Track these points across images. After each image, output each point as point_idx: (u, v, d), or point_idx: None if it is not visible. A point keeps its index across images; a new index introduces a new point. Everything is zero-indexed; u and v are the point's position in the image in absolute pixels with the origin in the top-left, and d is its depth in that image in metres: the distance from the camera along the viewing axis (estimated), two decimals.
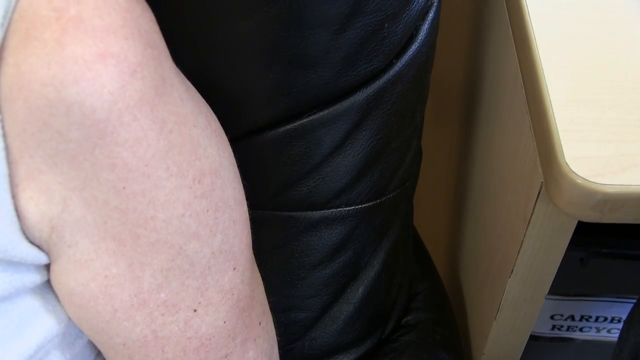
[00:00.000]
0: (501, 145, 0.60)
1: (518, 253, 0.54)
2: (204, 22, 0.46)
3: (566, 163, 0.45)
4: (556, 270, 0.56)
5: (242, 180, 0.44)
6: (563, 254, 0.54)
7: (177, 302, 0.40)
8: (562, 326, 0.66)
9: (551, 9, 0.52)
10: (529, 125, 0.51)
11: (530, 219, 0.51)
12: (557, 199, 0.46)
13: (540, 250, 0.54)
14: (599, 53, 0.50)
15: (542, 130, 0.48)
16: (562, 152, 0.45)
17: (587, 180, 0.44)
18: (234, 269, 0.42)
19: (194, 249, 0.39)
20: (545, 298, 0.59)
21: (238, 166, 0.43)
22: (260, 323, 0.45)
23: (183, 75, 0.40)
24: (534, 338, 0.66)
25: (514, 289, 0.58)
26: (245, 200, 0.43)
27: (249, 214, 0.44)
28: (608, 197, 0.44)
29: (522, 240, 0.53)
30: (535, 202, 0.50)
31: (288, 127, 0.50)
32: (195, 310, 0.40)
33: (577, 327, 0.67)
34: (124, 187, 0.36)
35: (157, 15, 0.38)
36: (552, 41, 0.50)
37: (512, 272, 0.56)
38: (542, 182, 0.49)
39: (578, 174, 0.44)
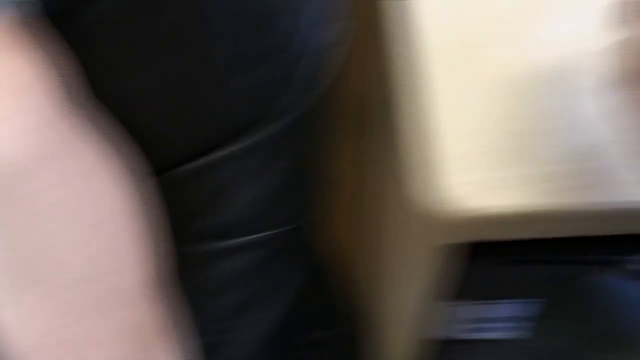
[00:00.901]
0: (389, 167, 0.63)
1: (419, 266, 0.57)
2: (125, 65, 0.47)
3: (439, 192, 0.48)
4: (460, 279, 0.58)
5: (152, 214, 0.44)
6: (467, 263, 0.57)
7: (78, 340, 0.41)
8: (470, 329, 0.68)
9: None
10: (408, 153, 0.54)
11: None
12: (442, 227, 0.50)
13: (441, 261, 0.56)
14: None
15: (418, 158, 0.51)
16: (435, 181, 0.49)
17: (464, 206, 0.48)
18: (136, 305, 0.43)
19: (96, 290, 0.40)
20: (450, 304, 0.61)
21: (148, 202, 0.44)
22: (167, 354, 0.46)
23: (95, 114, 0.40)
24: (441, 342, 0.67)
25: (414, 297, 0.60)
26: (149, 239, 0.44)
27: (162, 246, 0.45)
28: (484, 219, 0.48)
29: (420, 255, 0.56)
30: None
31: (199, 162, 0.50)
32: (97, 347, 0.42)
33: (485, 328, 0.68)
34: (28, 235, 0.38)
35: (77, 52, 0.39)
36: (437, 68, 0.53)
37: (413, 281, 0.59)
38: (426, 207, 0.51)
39: (453, 201, 0.48)
